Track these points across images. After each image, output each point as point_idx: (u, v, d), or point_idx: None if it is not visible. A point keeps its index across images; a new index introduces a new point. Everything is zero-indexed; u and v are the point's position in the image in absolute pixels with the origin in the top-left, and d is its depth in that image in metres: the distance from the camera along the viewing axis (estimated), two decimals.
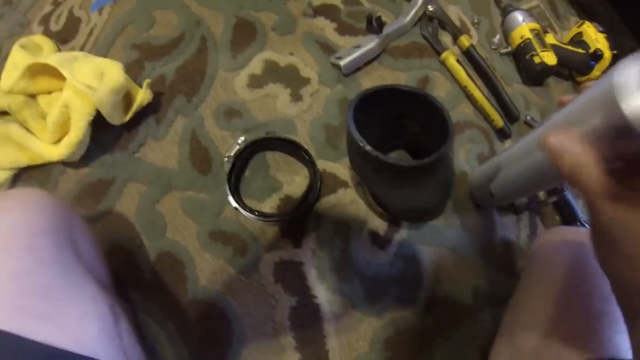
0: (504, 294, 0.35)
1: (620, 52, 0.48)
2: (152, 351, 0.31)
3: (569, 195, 0.40)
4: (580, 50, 0.45)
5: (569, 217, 0.40)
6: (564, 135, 0.16)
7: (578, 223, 0.40)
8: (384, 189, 0.26)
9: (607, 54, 0.44)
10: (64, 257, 0.21)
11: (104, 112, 0.33)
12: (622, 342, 0.23)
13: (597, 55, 0.44)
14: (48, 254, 0.20)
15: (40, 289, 0.19)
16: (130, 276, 0.32)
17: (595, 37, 0.45)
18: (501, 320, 0.30)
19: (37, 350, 0.17)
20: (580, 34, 0.46)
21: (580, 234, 0.31)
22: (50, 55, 0.36)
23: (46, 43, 0.45)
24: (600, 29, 0.46)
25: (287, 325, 0.31)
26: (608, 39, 0.45)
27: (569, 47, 0.44)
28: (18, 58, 0.40)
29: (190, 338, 0.31)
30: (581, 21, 0.47)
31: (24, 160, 0.37)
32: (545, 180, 0.28)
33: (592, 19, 0.48)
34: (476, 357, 0.33)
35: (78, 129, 0.33)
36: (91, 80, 0.33)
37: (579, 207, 0.40)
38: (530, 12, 0.46)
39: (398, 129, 0.29)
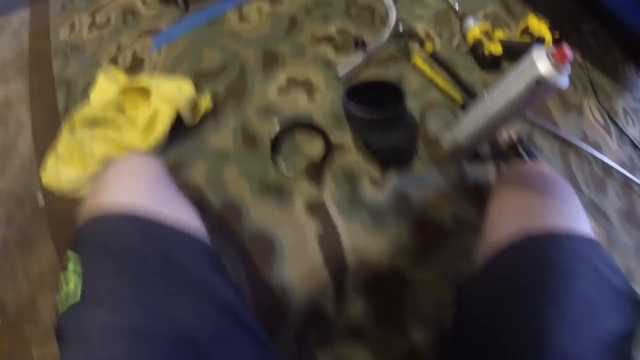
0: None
1: (562, 33, 0.77)
2: None
3: (523, 144, 0.67)
4: (526, 39, 0.74)
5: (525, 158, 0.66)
6: None
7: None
8: (368, 135, 0.55)
9: (548, 37, 0.73)
10: (173, 182, 0.46)
11: (183, 115, 0.63)
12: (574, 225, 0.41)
13: (540, 41, 0.73)
14: (164, 177, 0.45)
15: (161, 192, 0.42)
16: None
17: (538, 27, 0.74)
18: None
19: (164, 227, 0.38)
20: (527, 26, 0.76)
21: (537, 163, 0.55)
22: (141, 78, 0.68)
23: (120, 74, 0.77)
24: (543, 18, 0.75)
25: (317, 246, 0.57)
26: (550, 25, 0.74)
27: (516, 39, 0.74)
28: (105, 83, 0.71)
29: (246, 259, 0.57)
30: (522, 17, 0.77)
31: (116, 154, 0.64)
32: (497, 127, 0.56)
33: (543, 12, 0.78)
34: (463, 269, 0.57)
35: (164, 126, 0.62)
36: (173, 93, 0.64)
37: (535, 148, 0.66)
38: (485, 17, 0.77)
39: (383, 108, 0.58)
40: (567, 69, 0.46)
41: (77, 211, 0.39)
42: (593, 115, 0.82)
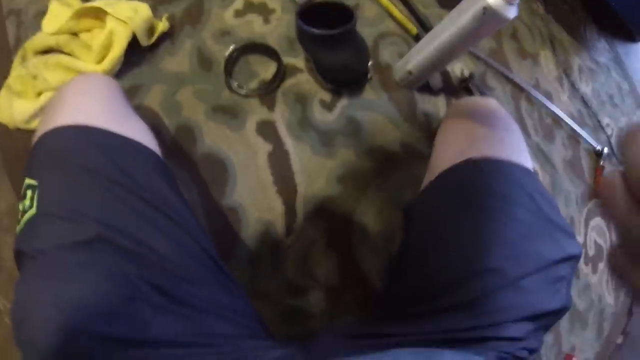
0: (429, 152, 0.63)
1: None
2: None
3: (475, 81, 0.70)
4: None
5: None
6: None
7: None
8: (319, 55, 0.57)
9: None
10: (127, 101, 0.48)
11: (139, 35, 0.63)
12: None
13: None
14: (118, 95, 0.46)
15: (115, 109, 0.43)
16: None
17: None
18: None
19: (118, 139, 0.40)
20: None
21: (486, 98, 0.58)
22: (96, 1, 0.67)
23: (74, 1, 0.76)
24: None
25: (266, 165, 0.60)
26: None
27: None
28: (57, 9, 0.70)
29: (199, 181, 0.59)
30: None
31: None
32: (446, 57, 0.58)
33: None
34: (409, 195, 0.61)
35: (119, 47, 0.63)
36: (128, 14, 0.63)
37: (486, 88, 0.70)
38: None
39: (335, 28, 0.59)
40: (516, 1, 0.47)
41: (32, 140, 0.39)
42: (548, 67, 0.86)
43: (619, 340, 0.78)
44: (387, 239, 0.60)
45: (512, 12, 0.48)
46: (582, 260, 0.74)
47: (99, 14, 0.65)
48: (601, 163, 0.85)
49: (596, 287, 0.76)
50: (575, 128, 0.83)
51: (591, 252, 0.77)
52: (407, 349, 0.35)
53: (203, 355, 0.35)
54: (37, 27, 0.69)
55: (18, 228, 0.35)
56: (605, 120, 0.92)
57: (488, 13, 0.48)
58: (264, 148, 0.60)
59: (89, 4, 0.65)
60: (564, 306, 0.40)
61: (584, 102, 0.90)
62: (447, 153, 0.51)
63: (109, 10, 0.63)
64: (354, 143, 0.62)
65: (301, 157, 0.60)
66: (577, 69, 0.93)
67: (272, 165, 0.60)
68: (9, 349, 0.54)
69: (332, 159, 0.61)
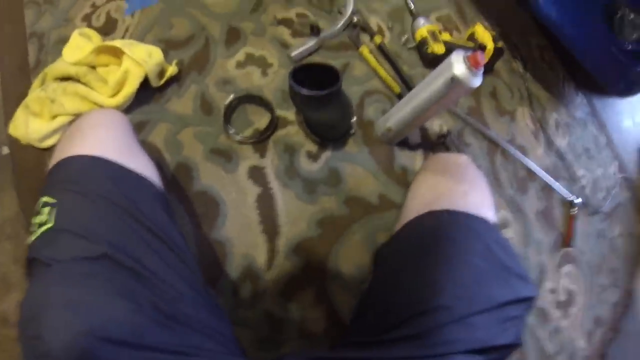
0: (403, 202, 0.70)
1: (510, 44, 0.88)
2: None
3: (451, 137, 0.77)
4: (469, 44, 0.85)
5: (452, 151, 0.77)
6: None
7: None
8: (307, 111, 0.66)
9: (490, 46, 0.83)
10: (136, 137, 0.55)
11: (150, 77, 0.71)
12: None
13: (481, 48, 0.83)
14: (129, 132, 0.53)
15: (127, 144, 0.51)
16: None
17: (483, 35, 0.85)
18: None
19: (129, 173, 0.47)
20: (473, 33, 0.86)
21: (458, 154, 0.65)
22: (115, 40, 0.75)
23: (94, 34, 0.83)
24: (490, 29, 0.86)
25: (254, 206, 0.68)
26: (495, 36, 0.85)
27: (460, 42, 0.84)
28: (79, 41, 0.78)
29: (193, 215, 0.67)
30: (474, 24, 0.87)
31: (85, 108, 0.73)
32: (423, 116, 0.65)
33: (496, 21, 0.88)
34: (381, 241, 0.68)
35: (132, 86, 0.71)
36: (144, 57, 0.71)
37: (463, 144, 0.77)
38: (438, 19, 0.87)
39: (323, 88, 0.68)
40: (480, 72, 0.55)
41: (45, 160, 0.45)
42: (524, 122, 0.94)
43: None
44: (358, 279, 0.67)
45: (476, 82, 0.55)
46: (553, 305, 0.79)
47: (117, 53, 0.73)
48: (574, 212, 0.90)
49: (567, 331, 0.79)
50: (548, 181, 0.90)
51: (562, 298, 0.81)
52: None
53: None
54: (57, 53, 0.76)
55: (32, 237, 0.41)
56: (580, 172, 0.99)
57: (455, 82, 0.55)
58: (253, 191, 0.68)
59: (109, 43, 0.73)
60: (513, 342, 0.45)
61: (559, 155, 0.98)
62: (415, 204, 0.58)
63: (126, 50, 0.71)
64: (335, 192, 0.70)
65: (286, 201, 0.68)
66: (554, 123, 1.00)
67: (259, 206, 0.68)
68: None
69: (314, 205, 0.69)
